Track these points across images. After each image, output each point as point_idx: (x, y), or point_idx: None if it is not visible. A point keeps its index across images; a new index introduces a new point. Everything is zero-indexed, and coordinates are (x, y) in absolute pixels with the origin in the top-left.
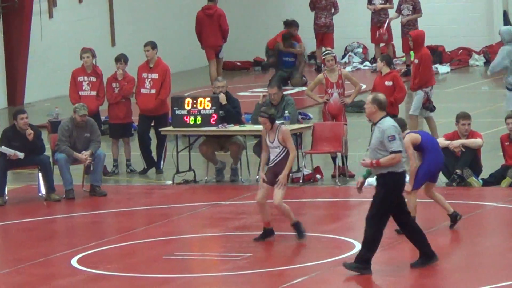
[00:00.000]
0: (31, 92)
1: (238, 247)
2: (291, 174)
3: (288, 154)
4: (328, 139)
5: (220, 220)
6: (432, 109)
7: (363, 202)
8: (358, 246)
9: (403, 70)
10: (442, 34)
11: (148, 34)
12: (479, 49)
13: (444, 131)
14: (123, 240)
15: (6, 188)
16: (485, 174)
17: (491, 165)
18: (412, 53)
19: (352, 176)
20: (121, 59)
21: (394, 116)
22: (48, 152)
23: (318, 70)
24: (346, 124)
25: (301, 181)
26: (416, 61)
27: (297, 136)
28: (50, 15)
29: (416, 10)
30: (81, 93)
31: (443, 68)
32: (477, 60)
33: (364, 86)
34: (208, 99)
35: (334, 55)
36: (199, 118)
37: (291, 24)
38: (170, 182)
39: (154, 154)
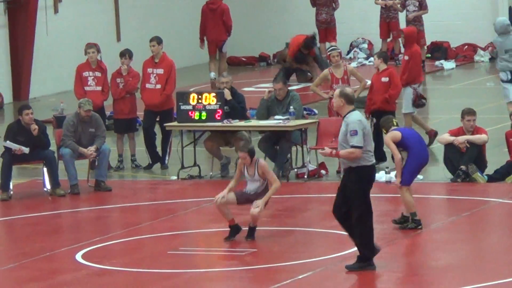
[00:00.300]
0: (36, 87)
1: (243, 242)
2: (296, 170)
3: (267, 188)
4: (333, 135)
5: None
6: (423, 104)
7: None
8: None
9: None
10: (447, 30)
11: (153, 29)
12: (484, 45)
13: (449, 127)
14: (128, 235)
15: (11, 183)
16: (490, 170)
17: (496, 161)
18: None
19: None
20: (126, 54)
21: (391, 112)
22: (53, 147)
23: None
24: None
25: (306, 176)
26: (406, 57)
27: (302, 132)
28: (56, 10)
29: (422, 6)
30: (86, 88)
31: (448, 64)
32: (482, 56)
33: (369, 82)
34: (213, 94)
35: (339, 51)
36: (204, 113)
37: (309, 45)
38: (175, 177)
39: (159, 149)
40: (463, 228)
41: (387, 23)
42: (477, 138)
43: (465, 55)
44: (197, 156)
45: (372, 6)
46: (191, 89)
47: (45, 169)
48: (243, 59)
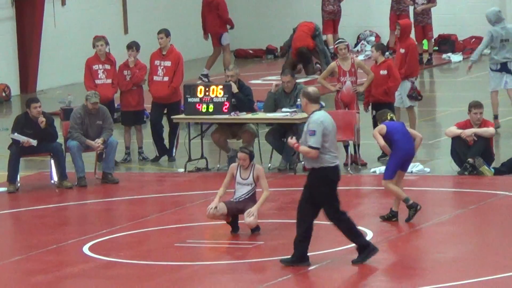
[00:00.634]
0: (44, 80)
1: (250, 235)
2: (303, 162)
3: (255, 194)
4: (341, 128)
5: None
6: (418, 98)
7: (375, 190)
8: (370, 234)
9: None
10: (455, 23)
11: (161, 21)
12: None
13: (456, 120)
14: (135, 227)
15: (18, 175)
16: (497, 163)
17: (503, 154)
18: (425, 42)
19: (364, 165)
20: (133, 46)
21: (390, 104)
22: (60, 140)
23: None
24: (358, 113)
25: None
26: (402, 50)
27: None
28: (63, 3)
29: None
30: (97, 81)
31: (456, 57)
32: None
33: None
34: (221, 87)
35: (347, 43)
36: (211, 106)
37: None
38: (182, 169)
39: (166, 142)
40: (469, 221)
41: (397, 16)
42: (484, 131)
43: (472, 48)
44: (204, 148)
45: None
46: (199, 82)
47: (52, 162)
48: (250, 51)
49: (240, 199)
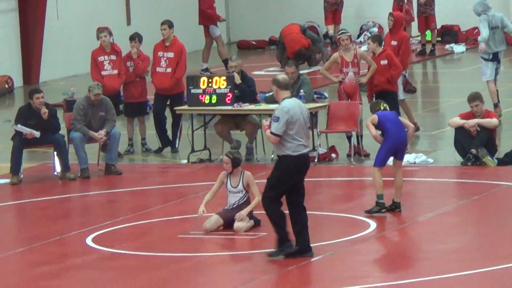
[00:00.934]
0: (47, 71)
1: (253, 226)
2: None
3: (249, 200)
4: (343, 118)
5: None
6: (414, 90)
7: None
8: (373, 225)
9: (418, 50)
10: (458, 14)
11: (164, 13)
12: None
13: (459, 110)
14: (138, 219)
15: (21, 167)
16: (500, 153)
17: (506, 145)
18: (428, 33)
19: (367, 155)
20: (136, 37)
21: (394, 93)
22: (63, 131)
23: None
24: (361, 104)
25: (316, 160)
26: (394, 42)
27: (313, 115)
28: None
29: None
30: (103, 73)
31: (459, 48)
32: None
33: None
34: (224, 78)
35: (349, 34)
36: (214, 97)
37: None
38: (185, 161)
39: (169, 133)
40: (472, 212)
41: (401, 7)
42: (488, 121)
43: (475, 38)
44: (207, 139)
45: None
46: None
47: (55, 153)
48: (253, 42)
49: (234, 206)
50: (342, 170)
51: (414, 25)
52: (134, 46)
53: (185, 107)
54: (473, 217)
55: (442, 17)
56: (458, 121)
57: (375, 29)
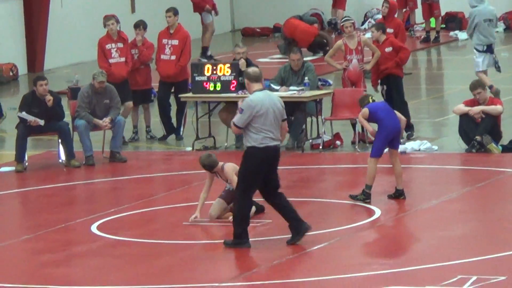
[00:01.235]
0: (51, 59)
1: (258, 213)
2: (311, 141)
3: None
4: (348, 106)
5: None
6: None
7: (383, 168)
8: (377, 212)
9: (423, 37)
10: (462, 0)
11: (168, 0)
12: (499, 15)
13: (464, 97)
14: (143, 206)
15: (26, 155)
16: (504, 140)
17: (510, 132)
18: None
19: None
20: (140, 25)
21: (400, 78)
22: (68, 119)
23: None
24: (365, 91)
25: (321, 147)
26: (391, 30)
27: (317, 102)
28: None
29: None
30: (111, 61)
31: (463, 35)
32: (497, 27)
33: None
34: (228, 65)
35: (352, 21)
36: (219, 84)
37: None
38: (190, 148)
39: (174, 120)
40: (477, 199)
41: None
42: (492, 108)
43: None
44: (212, 127)
45: None
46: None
47: (59, 141)
48: (258, 30)
49: (232, 189)
50: (347, 157)
51: (418, 12)
52: (139, 34)
53: (190, 94)
54: (478, 204)
55: (446, 4)
56: (462, 108)
57: (379, 16)
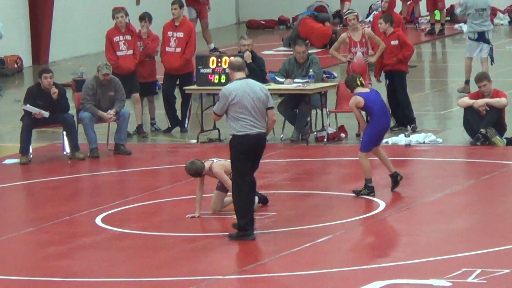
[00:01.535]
0: (56, 51)
1: (262, 206)
2: (315, 133)
3: None
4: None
5: None
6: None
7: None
8: (382, 205)
9: (427, 29)
10: None
11: None
12: (504, 8)
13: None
14: (147, 198)
15: (31, 147)
16: (509, 133)
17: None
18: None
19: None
20: (145, 17)
21: (403, 73)
22: (72, 111)
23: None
24: (370, 83)
25: (325, 140)
26: None
27: (322, 95)
28: None
29: None
30: (118, 53)
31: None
32: (502, 19)
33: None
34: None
35: (356, 14)
36: (223, 76)
37: None
38: (194, 140)
39: (178, 113)
40: (481, 191)
41: None
42: (497, 101)
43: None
44: None
45: None
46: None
47: (64, 133)
48: (263, 22)
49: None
50: (352, 150)
51: (423, 4)
52: (144, 26)
53: (194, 86)
54: (482, 196)
55: None
56: (467, 100)
57: None
